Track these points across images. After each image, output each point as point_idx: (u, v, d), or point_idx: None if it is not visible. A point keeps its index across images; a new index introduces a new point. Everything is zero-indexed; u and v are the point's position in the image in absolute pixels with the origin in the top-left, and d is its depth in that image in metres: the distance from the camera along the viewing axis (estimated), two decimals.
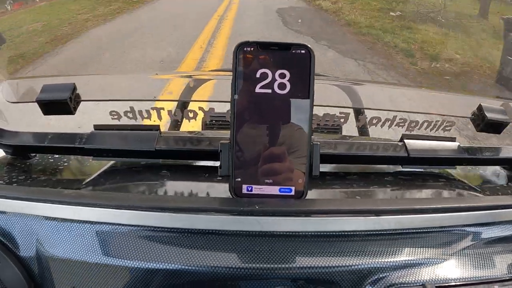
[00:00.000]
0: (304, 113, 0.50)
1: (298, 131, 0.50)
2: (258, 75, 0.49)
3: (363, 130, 0.97)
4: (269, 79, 0.49)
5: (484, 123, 0.69)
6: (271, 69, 0.49)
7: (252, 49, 0.49)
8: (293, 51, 0.49)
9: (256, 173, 0.51)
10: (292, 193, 0.52)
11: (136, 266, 0.47)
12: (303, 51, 0.49)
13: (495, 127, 0.69)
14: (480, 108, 0.69)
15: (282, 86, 0.49)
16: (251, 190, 0.51)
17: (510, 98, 0.75)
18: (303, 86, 0.50)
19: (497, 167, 0.75)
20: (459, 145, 0.66)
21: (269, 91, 0.49)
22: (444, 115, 0.71)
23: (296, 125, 0.50)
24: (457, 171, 0.69)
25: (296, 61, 0.50)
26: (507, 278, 0.51)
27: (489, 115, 0.68)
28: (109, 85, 0.69)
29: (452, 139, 0.67)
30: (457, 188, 0.64)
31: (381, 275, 0.48)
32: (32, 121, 0.74)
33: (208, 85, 0.79)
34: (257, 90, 0.49)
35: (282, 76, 0.49)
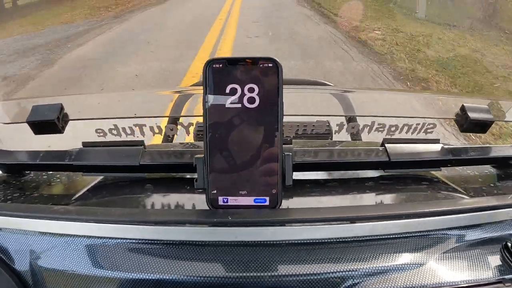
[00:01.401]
0: (274, 125, 0.51)
1: (269, 143, 0.52)
2: (227, 91, 0.51)
3: (354, 138, 0.98)
4: (238, 93, 0.51)
5: (467, 123, 0.69)
6: (240, 84, 0.51)
7: (221, 65, 0.51)
8: (261, 65, 0.51)
9: (230, 185, 0.53)
10: (267, 203, 0.53)
11: (120, 277, 0.49)
12: (270, 65, 0.51)
13: (480, 126, 0.69)
14: (463, 108, 0.69)
15: (251, 100, 0.51)
16: (227, 202, 0.53)
17: (493, 97, 0.75)
18: (272, 98, 0.51)
19: (484, 167, 0.74)
20: (442, 147, 0.66)
21: (239, 105, 0.51)
22: (427, 117, 0.71)
23: (267, 138, 0.51)
24: (442, 173, 0.69)
25: (264, 74, 0.51)
26: (485, 282, 0.51)
27: (472, 115, 0.68)
28: (94, 104, 0.72)
29: (436, 141, 0.67)
30: (440, 191, 0.64)
31: (354, 282, 0.49)
32: (30, 140, 0.77)
33: (193, 99, 0.81)
34: (228, 105, 0.51)
35: (251, 90, 0.51)
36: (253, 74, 0.51)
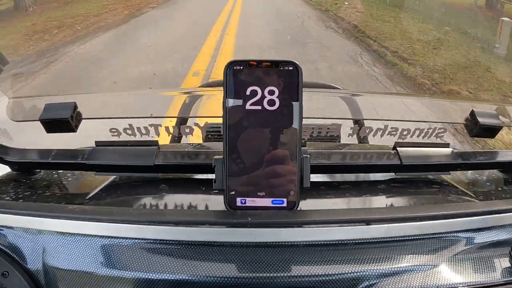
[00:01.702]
0: (293, 127, 0.52)
1: (288, 144, 0.52)
2: (248, 93, 0.51)
3: (362, 141, 0.99)
4: (259, 96, 0.51)
5: (477, 128, 0.69)
6: (260, 86, 0.51)
7: (241, 67, 0.51)
8: (281, 68, 0.51)
9: (249, 186, 0.53)
10: (284, 204, 0.53)
11: (136, 277, 0.49)
12: (291, 68, 0.51)
13: (489, 131, 0.70)
14: (472, 113, 0.70)
15: (271, 102, 0.51)
16: (245, 203, 0.53)
17: (502, 102, 0.76)
18: (292, 101, 0.51)
19: (492, 171, 0.76)
20: (452, 151, 0.67)
21: (259, 107, 0.51)
22: (437, 121, 0.72)
23: (286, 139, 0.52)
24: (451, 177, 0.70)
25: (284, 77, 0.51)
26: (498, 283, 0.52)
27: (482, 120, 0.69)
28: (108, 103, 0.72)
29: (446, 145, 0.67)
30: (451, 194, 0.65)
31: (371, 283, 0.49)
32: (37, 138, 0.76)
33: (206, 100, 0.81)
34: (248, 107, 0.51)
35: (271, 92, 0.51)
36: (274, 76, 0.51)
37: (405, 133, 0.70)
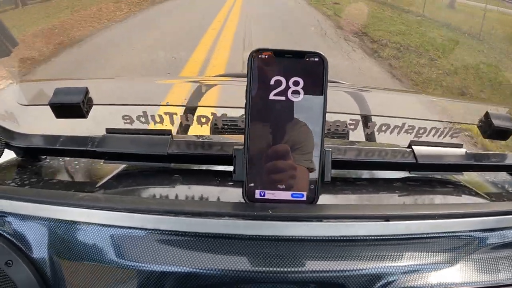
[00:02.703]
0: (316, 120, 0.51)
1: (310, 137, 0.51)
2: (272, 82, 0.50)
3: (370, 137, 0.98)
4: (283, 86, 0.50)
5: (491, 130, 0.70)
6: (285, 77, 0.50)
7: (266, 56, 0.50)
8: (307, 59, 0.50)
9: (269, 178, 0.52)
10: (304, 198, 0.52)
11: (149, 269, 0.48)
12: (316, 59, 0.50)
13: (502, 134, 0.70)
14: (487, 115, 0.70)
15: (295, 93, 0.50)
16: (263, 195, 0.52)
17: None
18: (316, 93, 0.50)
19: (504, 173, 0.76)
20: (466, 152, 0.67)
21: (283, 98, 0.50)
22: (452, 122, 0.72)
23: (308, 132, 0.51)
24: (463, 177, 0.70)
25: (310, 68, 0.50)
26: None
27: (496, 122, 0.69)
28: (120, 89, 0.70)
29: (459, 146, 0.67)
30: (464, 194, 0.65)
31: (389, 280, 0.49)
32: (42, 124, 0.74)
33: (219, 90, 0.80)
34: (271, 97, 0.50)
35: (296, 83, 0.50)
36: (299, 67, 0.50)
37: (421, 131, 0.69)
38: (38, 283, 0.51)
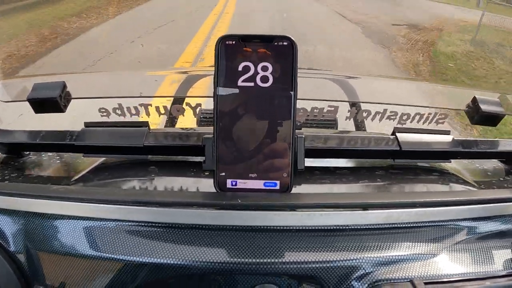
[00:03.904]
0: (287, 106, 0.50)
1: (282, 124, 0.50)
2: (240, 68, 0.49)
3: (359, 125, 0.96)
4: (252, 72, 0.49)
5: (478, 116, 0.67)
6: (254, 62, 0.49)
7: (234, 42, 0.49)
8: (276, 43, 0.49)
9: (240, 167, 0.51)
10: (277, 187, 0.51)
11: (122, 259, 0.48)
12: (285, 43, 0.49)
13: (490, 119, 0.68)
14: (474, 100, 0.68)
15: (264, 79, 0.49)
16: (235, 185, 0.51)
17: (505, 91, 0.74)
18: (286, 78, 0.49)
19: (493, 161, 0.73)
20: (453, 138, 0.65)
21: (252, 84, 0.49)
22: (437, 107, 0.70)
23: (280, 118, 0.50)
24: (451, 165, 0.68)
25: (279, 53, 0.49)
26: (499, 274, 0.50)
27: (484, 107, 0.67)
28: (99, 82, 0.70)
29: (446, 132, 0.65)
30: (451, 182, 0.63)
31: (367, 271, 0.48)
32: (28, 121, 0.75)
33: (200, 80, 0.79)
34: (240, 83, 0.49)
35: (265, 69, 0.49)
36: (268, 52, 0.49)
37: (404, 117, 0.67)
38: (16, 275, 0.51)
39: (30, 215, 0.51)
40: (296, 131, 0.51)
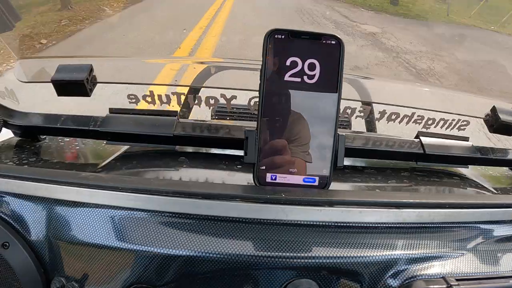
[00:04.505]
0: (331, 103, 0.50)
1: (325, 122, 0.50)
2: (288, 63, 0.49)
3: (371, 127, 0.98)
4: (299, 67, 0.49)
5: (497, 125, 0.69)
6: (301, 58, 0.49)
7: (283, 37, 0.49)
8: (324, 41, 0.49)
9: (280, 161, 0.51)
10: (316, 183, 0.51)
11: (152, 252, 0.46)
12: (333, 42, 0.49)
13: (508, 129, 0.70)
14: (494, 109, 0.70)
15: (311, 75, 0.49)
16: (275, 179, 0.51)
17: None
18: (332, 76, 0.49)
19: (505, 169, 0.76)
20: (472, 145, 0.67)
21: (298, 79, 0.49)
22: (459, 114, 0.71)
23: (323, 116, 0.50)
24: (469, 170, 0.70)
25: (326, 51, 0.49)
26: None
27: (503, 116, 0.69)
28: (122, 68, 0.68)
29: (465, 139, 0.67)
30: (470, 187, 0.65)
31: (402, 267, 0.48)
32: (40, 104, 0.72)
33: (226, 72, 0.78)
34: (286, 78, 0.49)
35: (312, 65, 0.49)
36: (315, 49, 0.49)
37: (429, 122, 0.69)
38: (35, 266, 0.49)
39: (54, 202, 0.49)
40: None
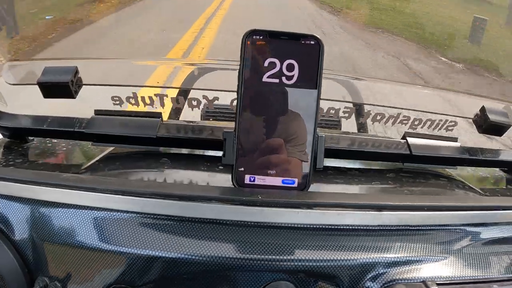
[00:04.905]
0: (310, 104, 0.50)
1: (303, 122, 0.50)
2: (266, 64, 0.49)
3: (362, 127, 0.97)
4: (277, 68, 0.49)
5: (486, 125, 0.69)
6: (280, 59, 0.49)
7: (261, 37, 0.49)
8: (303, 42, 0.49)
9: (259, 163, 0.50)
10: (295, 184, 0.51)
11: (133, 253, 0.46)
12: (312, 42, 0.49)
13: (497, 129, 0.69)
14: (483, 109, 0.69)
15: (289, 76, 0.49)
16: (253, 181, 0.51)
17: None
18: (311, 77, 0.49)
19: (495, 170, 0.75)
20: (460, 146, 0.66)
21: (277, 80, 0.49)
22: (447, 114, 0.71)
23: (301, 117, 0.50)
24: (457, 171, 0.70)
25: (305, 51, 0.49)
26: (506, 278, 0.51)
27: (492, 117, 0.68)
28: (111, 69, 0.68)
29: (454, 139, 0.67)
30: (457, 188, 0.64)
31: (381, 271, 0.48)
32: (31, 105, 0.73)
33: (213, 73, 0.79)
34: (265, 79, 0.49)
35: (290, 66, 0.49)
36: (294, 50, 0.49)
37: (416, 123, 0.68)
38: (20, 265, 0.49)
39: (37, 203, 0.49)
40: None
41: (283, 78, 0.49)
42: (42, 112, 0.64)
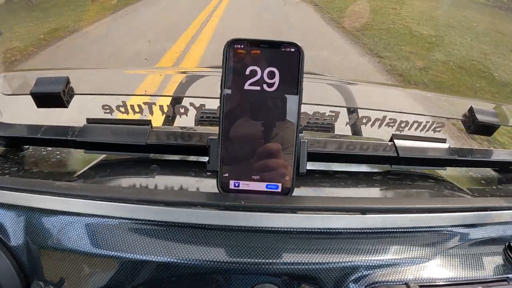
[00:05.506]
0: (292, 110, 0.50)
1: (286, 128, 0.51)
2: (247, 72, 0.50)
3: (356, 130, 0.98)
4: (258, 76, 0.50)
5: (474, 125, 0.69)
6: (261, 66, 0.50)
7: (242, 46, 0.50)
8: (283, 49, 0.50)
9: (243, 169, 0.52)
10: (279, 189, 0.52)
11: (123, 257, 0.48)
12: (292, 49, 0.50)
13: (486, 129, 0.70)
14: (471, 110, 0.70)
15: (271, 83, 0.50)
16: (238, 186, 0.52)
17: (501, 102, 0.76)
18: (292, 83, 0.50)
19: (487, 169, 0.75)
20: (449, 146, 0.66)
21: (258, 88, 0.50)
22: (435, 116, 0.71)
23: (284, 123, 0.51)
24: (446, 172, 0.70)
25: (286, 59, 0.50)
26: (490, 279, 0.52)
27: (480, 117, 0.68)
28: (102, 79, 0.70)
29: (443, 140, 0.67)
30: (446, 189, 0.64)
31: (364, 273, 0.49)
32: (27, 114, 0.74)
33: (201, 81, 0.80)
34: (246, 87, 0.50)
35: (271, 73, 0.50)
36: (275, 57, 0.50)
37: (403, 125, 0.69)
38: (16, 270, 0.51)
39: (31, 210, 0.51)
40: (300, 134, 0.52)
41: (264, 86, 0.50)
42: (40, 121, 0.65)
